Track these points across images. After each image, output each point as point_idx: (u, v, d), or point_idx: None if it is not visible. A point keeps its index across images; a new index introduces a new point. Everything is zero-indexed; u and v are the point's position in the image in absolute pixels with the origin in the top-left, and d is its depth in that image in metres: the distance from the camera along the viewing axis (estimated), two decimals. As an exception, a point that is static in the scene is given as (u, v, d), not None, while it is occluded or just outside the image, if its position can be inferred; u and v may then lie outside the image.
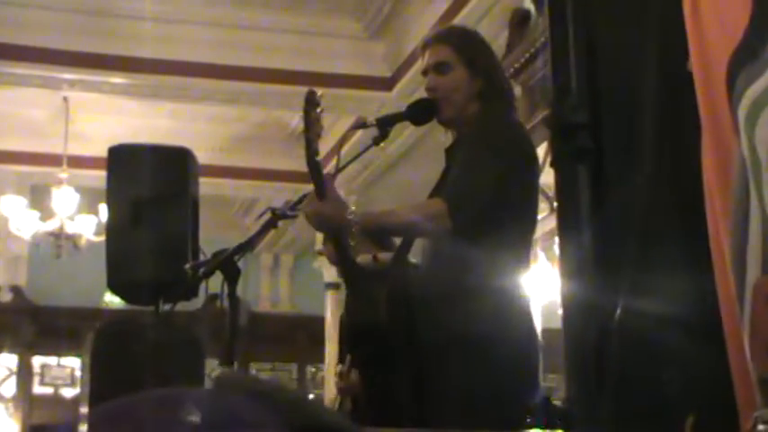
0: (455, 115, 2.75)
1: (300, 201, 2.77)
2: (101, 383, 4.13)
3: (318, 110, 2.58)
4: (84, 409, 4.18)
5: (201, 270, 2.93)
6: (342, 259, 2.67)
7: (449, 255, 2.62)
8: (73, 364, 12.08)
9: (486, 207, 2.52)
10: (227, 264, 2.69)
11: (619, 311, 1.50)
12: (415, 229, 2.60)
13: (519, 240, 2.61)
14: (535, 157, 2.65)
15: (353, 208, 2.57)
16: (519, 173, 2.56)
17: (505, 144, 2.59)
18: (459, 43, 2.77)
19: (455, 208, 2.49)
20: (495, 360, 2.47)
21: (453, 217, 2.48)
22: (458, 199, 2.52)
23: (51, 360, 12.08)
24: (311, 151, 2.57)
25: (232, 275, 2.67)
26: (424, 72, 2.80)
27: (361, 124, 2.81)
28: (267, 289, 12.95)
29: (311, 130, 2.56)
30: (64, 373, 12.13)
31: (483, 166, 2.56)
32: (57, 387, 12.06)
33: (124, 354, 4.06)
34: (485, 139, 2.62)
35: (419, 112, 2.75)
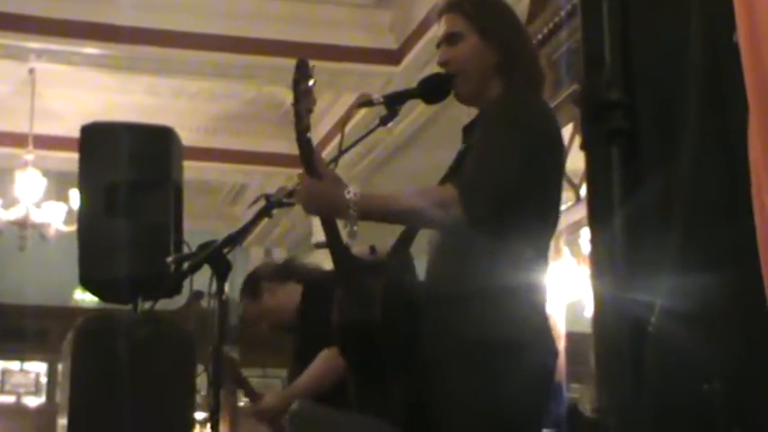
0: (473, 91, 2.74)
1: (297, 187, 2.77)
2: (82, 391, 4.14)
3: (310, 82, 2.57)
4: (62, 421, 4.18)
5: (186, 264, 2.94)
6: (333, 247, 2.64)
7: (459, 248, 2.60)
8: (38, 369, 12.11)
9: (503, 195, 2.50)
10: (216, 257, 2.69)
11: (656, 314, 1.50)
12: (422, 216, 2.56)
13: (540, 233, 2.60)
14: (560, 140, 2.64)
15: (352, 188, 2.54)
16: (542, 156, 2.55)
17: (527, 124, 2.58)
18: (472, 9, 2.75)
19: (468, 195, 2.48)
20: (510, 370, 2.47)
21: (466, 205, 2.47)
22: (471, 185, 2.50)
23: (13, 365, 12.11)
24: (301, 126, 2.58)
25: (221, 271, 2.67)
26: (438, 45, 2.81)
27: (366, 102, 2.80)
28: (257, 286, 12.98)
29: (301, 102, 2.56)
30: (27, 379, 12.16)
31: (501, 148, 2.54)
32: (19, 395, 12.09)
33: (107, 355, 4.07)
34: (503, 119, 2.60)
35: (432, 89, 2.74)
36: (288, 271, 4.31)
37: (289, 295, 4.22)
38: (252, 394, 4.33)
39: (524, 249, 2.54)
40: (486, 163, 2.54)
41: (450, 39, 2.75)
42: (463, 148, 2.75)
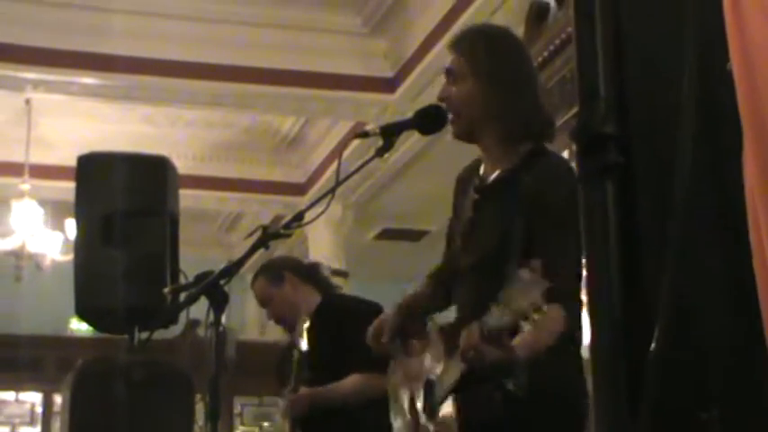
0: (467, 132, 2.73)
1: (295, 218, 2.77)
2: (81, 429, 4.14)
3: None
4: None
5: (184, 295, 2.94)
6: None
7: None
8: (33, 399, 12.06)
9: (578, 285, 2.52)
10: (213, 289, 2.69)
11: (654, 342, 1.51)
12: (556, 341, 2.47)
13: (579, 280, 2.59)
14: None
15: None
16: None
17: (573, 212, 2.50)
18: (473, 52, 2.71)
19: (566, 309, 2.44)
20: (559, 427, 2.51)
21: (567, 312, 2.45)
22: (564, 295, 2.42)
23: (8, 395, 12.06)
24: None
25: (219, 302, 2.67)
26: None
27: (362, 133, 2.79)
28: (254, 314, 12.96)
29: None
30: (22, 409, 12.10)
31: (565, 239, 2.49)
32: (14, 426, 12.03)
33: (106, 398, 4.07)
34: (566, 199, 2.48)
35: (428, 121, 2.74)
36: (312, 274, 4.38)
37: (304, 296, 4.27)
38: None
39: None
40: (560, 261, 2.46)
41: (449, 75, 2.76)
42: (480, 202, 2.73)
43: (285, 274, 4.31)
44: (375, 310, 3.48)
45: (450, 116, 2.71)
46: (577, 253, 2.45)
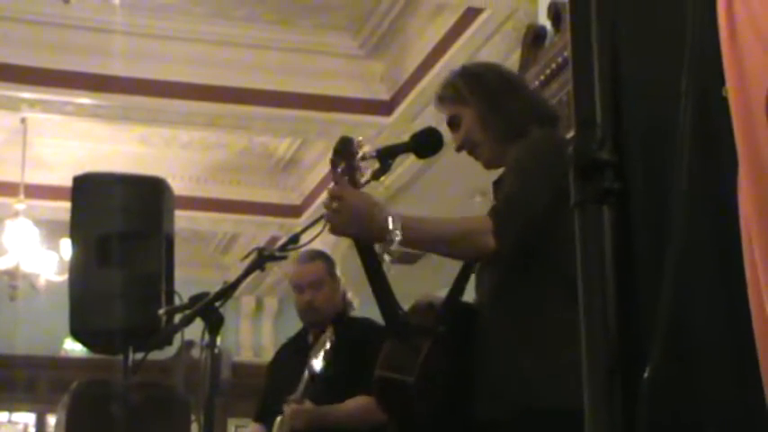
0: (493, 156, 2.80)
1: (290, 241, 2.78)
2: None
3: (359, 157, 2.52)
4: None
5: (179, 317, 2.94)
6: (381, 292, 2.52)
7: (509, 302, 2.62)
8: (26, 419, 12.03)
9: (531, 226, 2.53)
10: (209, 311, 2.69)
11: (649, 364, 1.51)
12: (461, 242, 2.55)
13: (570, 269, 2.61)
14: None
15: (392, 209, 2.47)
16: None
17: (551, 159, 2.58)
18: (454, 93, 2.81)
19: (500, 227, 2.49)
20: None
21: (499, 235, 2.49)
22: (505, 213, 2.52)
23: (2, 416, 12.03)
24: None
25: (214, 324, 2.68)
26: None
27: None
28: (248, 336, 12.95)
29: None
30: (15, 430, 12.08)
31: (529, 179, 2.58)
32: (7, 446, 12.01)
33: (103, 418, 4.06)
34: (528, 153, 2.64)
35: (425, 144, 2.77)
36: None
37: (337, 304, 4.33)
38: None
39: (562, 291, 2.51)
40: (517, 193, 2.58)
41: (452, 125, 2.84)
42: (496, 193, 2.79)
43: (336, 271, 4.37)
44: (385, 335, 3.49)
45: (475, 156, 2.80)
46: (532, 209, 2.53)
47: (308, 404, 4.03)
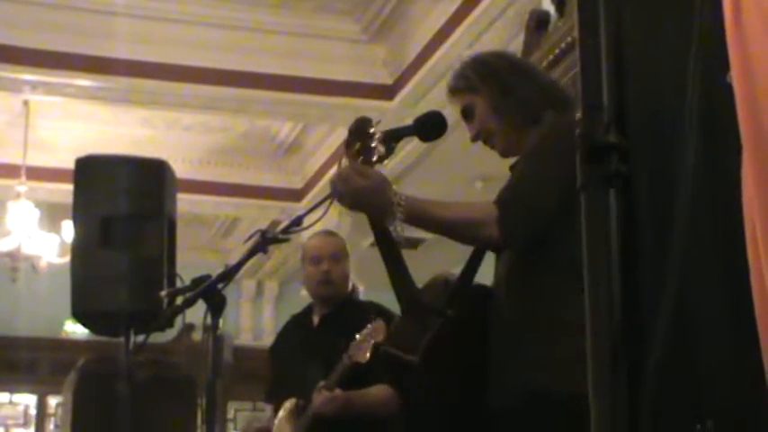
0: (509, 144, 2.80)
1: (293, 223, 2.77)
2: (83, 429, 4.14)
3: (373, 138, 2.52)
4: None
5: (181, 299, 2.94)
6: (395, 269, 2.55)
7: (524, 290, 2.61)
8: (27, 401, 12.04)
9: (538, 216, 2.54)
10: (211, 293, 2.69)
11: (652, 353, 1.51)
12: (464, 230, 2.57)
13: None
14: None
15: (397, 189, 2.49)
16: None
17: (562, 148, 2.59)
18: (465, 83, 2.82)
19: (505, 214, 2.51)
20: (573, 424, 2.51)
21: (503, 226, 2.49)
22: (511, 204, 2.52)
23: (3, 397, 12.05)
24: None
25: (216, 306, 2.67)
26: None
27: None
28: (249, 320, 12.96)
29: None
30: (16, 411, 12.09)
31: (540, 168, 2.58)
32: (8, 428, 12.01)
33: (108, 398, 4.07)
34: (545, 139, 2.64)
35: (428, 127, 2.76)
36: None
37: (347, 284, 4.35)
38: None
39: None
40: (521, 184, 2.59)
41: (465, 116, 2.83)
42: None
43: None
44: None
45: (491, 145, 2.80)
46: (541, 199, 2.54)
47: (338, 391, 4.01)
